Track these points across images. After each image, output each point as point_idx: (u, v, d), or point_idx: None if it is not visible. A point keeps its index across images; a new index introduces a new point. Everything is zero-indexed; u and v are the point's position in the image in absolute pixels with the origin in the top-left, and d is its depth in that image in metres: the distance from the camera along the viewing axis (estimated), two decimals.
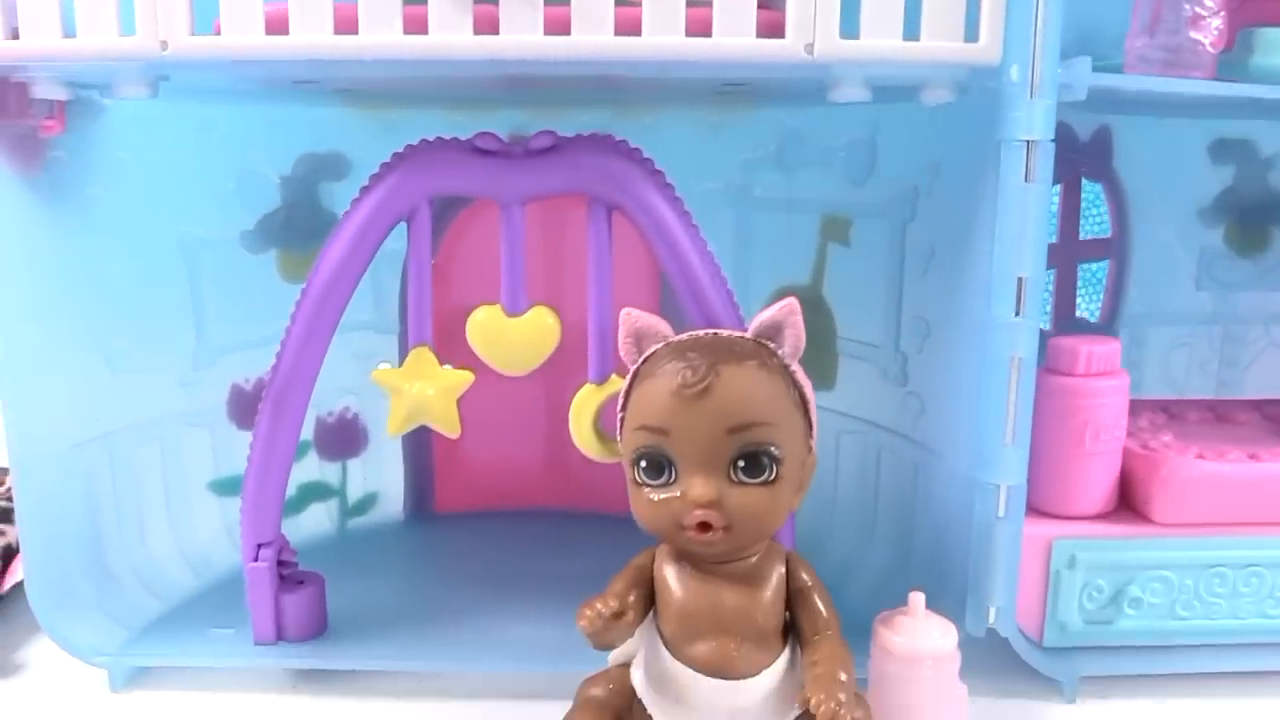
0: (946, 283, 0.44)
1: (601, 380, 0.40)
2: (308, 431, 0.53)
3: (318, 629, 0.43)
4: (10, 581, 0.45)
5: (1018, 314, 0.38)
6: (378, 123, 0.52)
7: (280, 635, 0.42)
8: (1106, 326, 0.54)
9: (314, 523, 0.54)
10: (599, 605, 0.33)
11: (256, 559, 0.41)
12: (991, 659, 0.42)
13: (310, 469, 0.54)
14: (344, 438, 0.54)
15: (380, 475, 0.55)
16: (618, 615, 0.33)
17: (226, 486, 0.50)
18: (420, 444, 0.55)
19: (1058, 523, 0.42)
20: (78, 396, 0.44)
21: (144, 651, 0.42)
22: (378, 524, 0.55)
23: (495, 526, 0.55)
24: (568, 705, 0.35)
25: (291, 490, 0.51)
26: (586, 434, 0.40)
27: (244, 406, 0.50)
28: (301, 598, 0.42)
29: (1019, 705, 0.41)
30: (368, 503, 0.55)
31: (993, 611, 0.40)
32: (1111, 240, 0.54)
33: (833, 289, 0.52)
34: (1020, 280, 0.38)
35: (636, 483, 0.33)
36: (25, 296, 0.41)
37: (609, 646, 0.35)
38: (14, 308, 0.40)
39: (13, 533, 0.48)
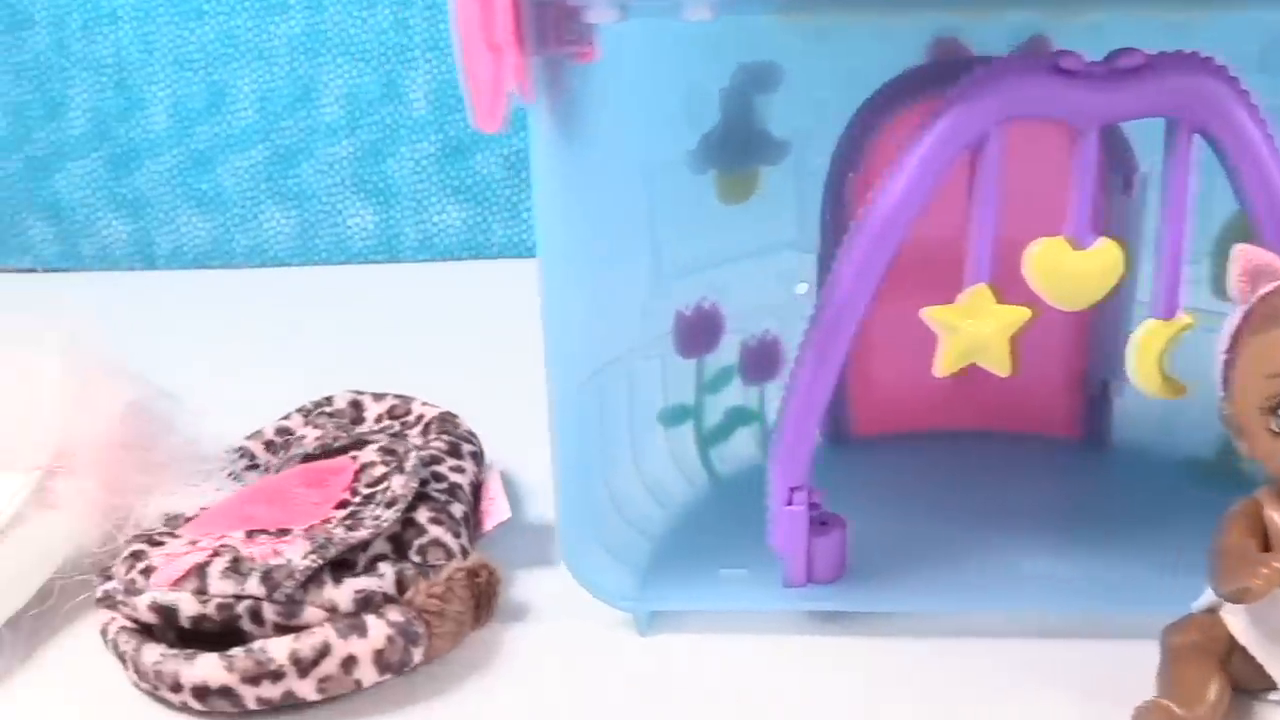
0: None
1: (1169, 316, 0.38)
2: (732, 356, 0.52)
3: (841, 571, 0.42)
4: (493, 520, 0.45)
5: None
6: (809, 30, 0.49)
7: (809, 578, 0.42)
8: None
9: (741, 448, 0.53)
10: (1275, 564, 0.32)
11: (790, 502, 0.41)
12: None
13: (734, 394, 0.53)
14: (765, 361, 0.52)
15: None
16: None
17: (673, 417, 0.50)
18: None
19: None
20: (583, 328, 0.43)
21: (666, 595, 0.42)
22: None
23: (918, 451, 0.53)
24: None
25: (719, 416, 0.51)
26: (1151, 372, 0.38)
27: (686, 335, 0.49)
28: (831, 541, 0.41)
29: None
30: None
31: None
32: None
33: None
34: None
35: (1273, 432, 0.32)
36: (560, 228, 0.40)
37: (1246, 602, 0.34)
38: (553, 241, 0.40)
39: (471, 470, 0.47)
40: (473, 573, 0.40)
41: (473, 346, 0.81)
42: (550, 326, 0.40)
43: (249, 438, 0.53)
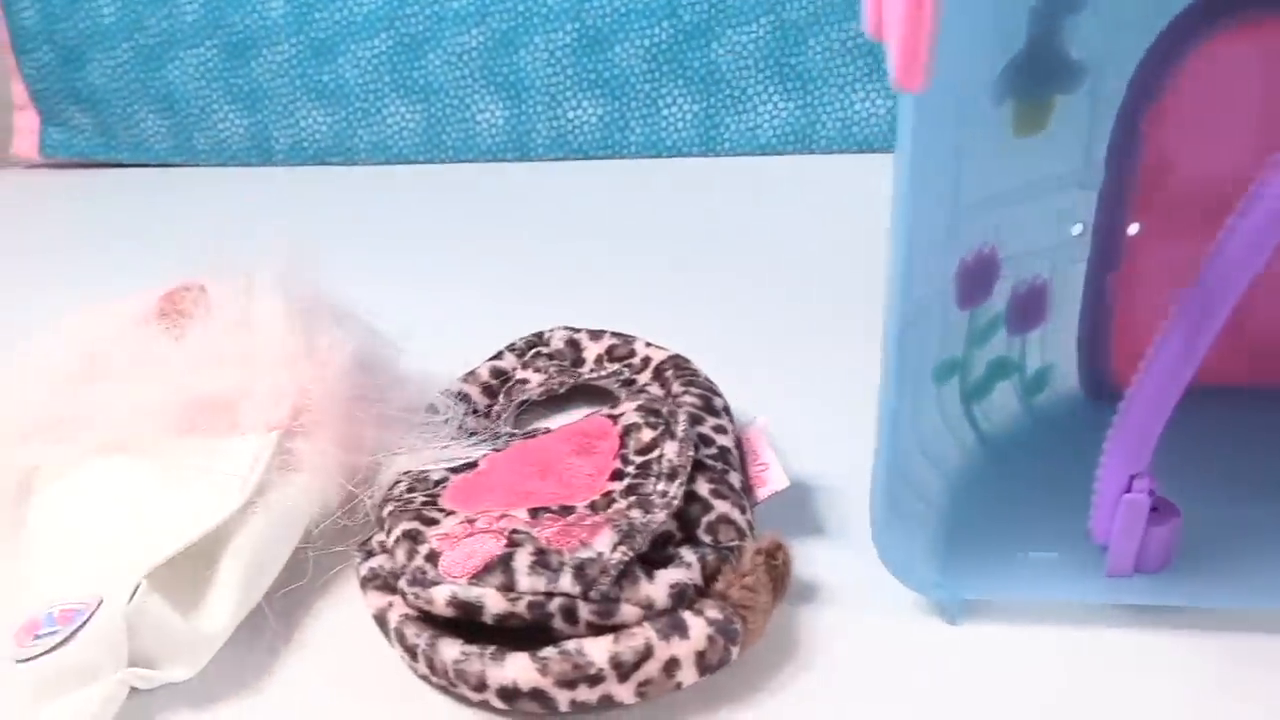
0: None
1: None
2: (1001, 303, 0.47)
3: (1168, 561, 0.39)
4: (769, 490, 0.41)
5: None
6: None
7: (1136, 568, 0.38)
8: None
9: (1001, 403, 0.49)
10: None
11: (1129, 489, 0.37)
12: None
13: (998, 345, 0.48)
14: (1031, 309, 0.48)
15: (1056, 346, 0.50)
16: None
17: (944, 373, 0.45)
18: (1097, 312, 0.49)
19: None
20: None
21: (978, 581, 0.39)
22: (1060, 401, 0.50)
23: (1192, 409, 0.49)
24: None
25: (980, 370, 0.47)
26: None
27: (966, 282, 0.44)
28: (1165, 530, 0.38)
29: None
30: (1044, 377, 0.50)
31: None
32: None
33: None
34: None
35: None
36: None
37: None
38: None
39: (730, 428, 0.44)
40: (770, 554, 0.37)
41: (608, 252, 0.77)
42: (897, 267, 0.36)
43: (464, 379, 0.49)
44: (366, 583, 0.37)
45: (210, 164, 0.92)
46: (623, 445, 0.40)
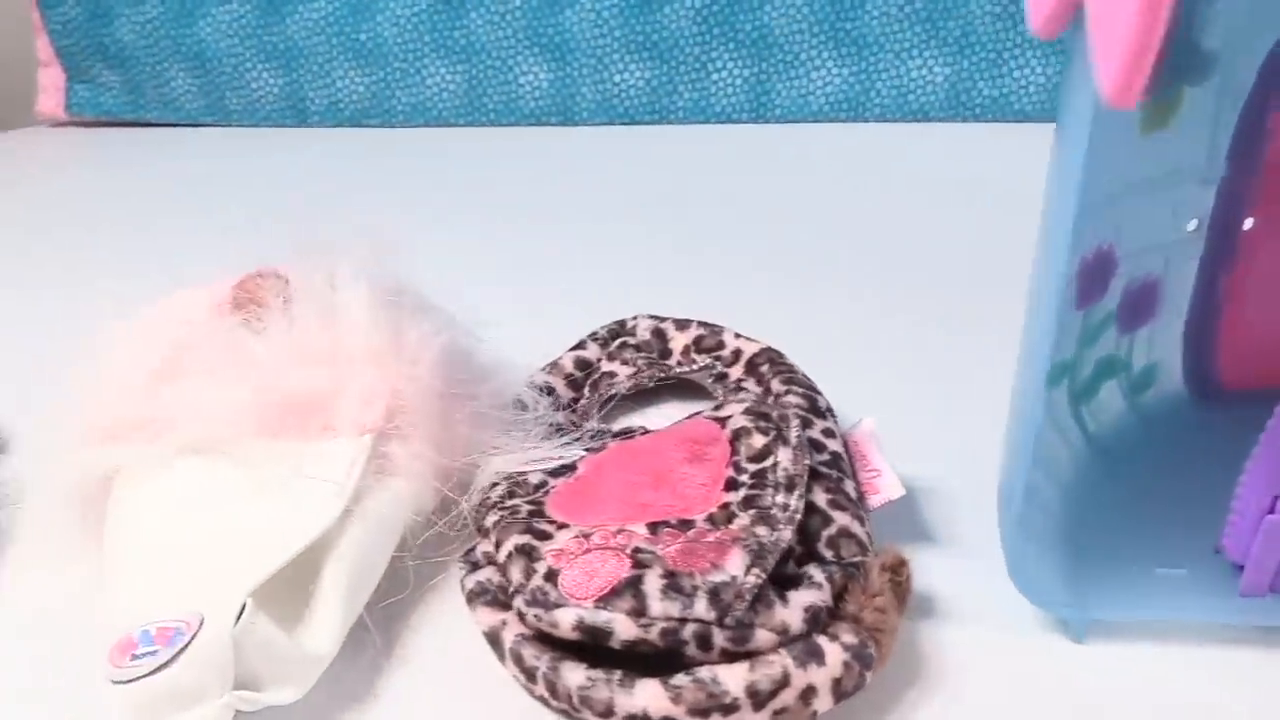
0: None
1: None
2: (1114, 302, 0.46)
3: None
4: (882, 498, 0.40)
5: None
6: None
7: (1272, 588, 0.37)
8: None
9: (1107, 403, 0.47)
10: None
11: (1273, 510, 0.35)
12: None
13: (1106, 344, 0.47)
14: (1142, 306, 0.46)
15: (1162, 344, 0.48)
16: None
17: (1057, 375, 0.44)
18: (1206, 310, 0.48)
19: None
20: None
21: (1106, 600, 0.37)
22: (1165, 400, 0.49)
23: None
24: None
25: (1089, 369, 0.46)
26: None
27: (1085, 281, 0.43)
28: None
29: None
30: (1149, 375, 0.48)
31: None
32: None
33: None
34: None
35: None
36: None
37: None
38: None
39: (838, 430, 0.42)
40: (894, 571, 0.35)
41: (655, 221, 0.75)
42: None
43: (547, 370, 0.47)
44: (475, 597, 0.35)
45: (242, 124, 0.89)
46: (734, 452, 0.38)
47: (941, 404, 0.49)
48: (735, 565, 0.33)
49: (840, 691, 0.32)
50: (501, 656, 0.34)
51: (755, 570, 0.33)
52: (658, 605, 0.32)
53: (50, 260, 0.74)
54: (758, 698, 0.31)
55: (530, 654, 0.33)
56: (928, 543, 0.41)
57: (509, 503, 0.38)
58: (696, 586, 0.32)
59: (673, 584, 0.32)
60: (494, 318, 0.48)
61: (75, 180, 0.89)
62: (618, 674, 0.32)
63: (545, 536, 0.35)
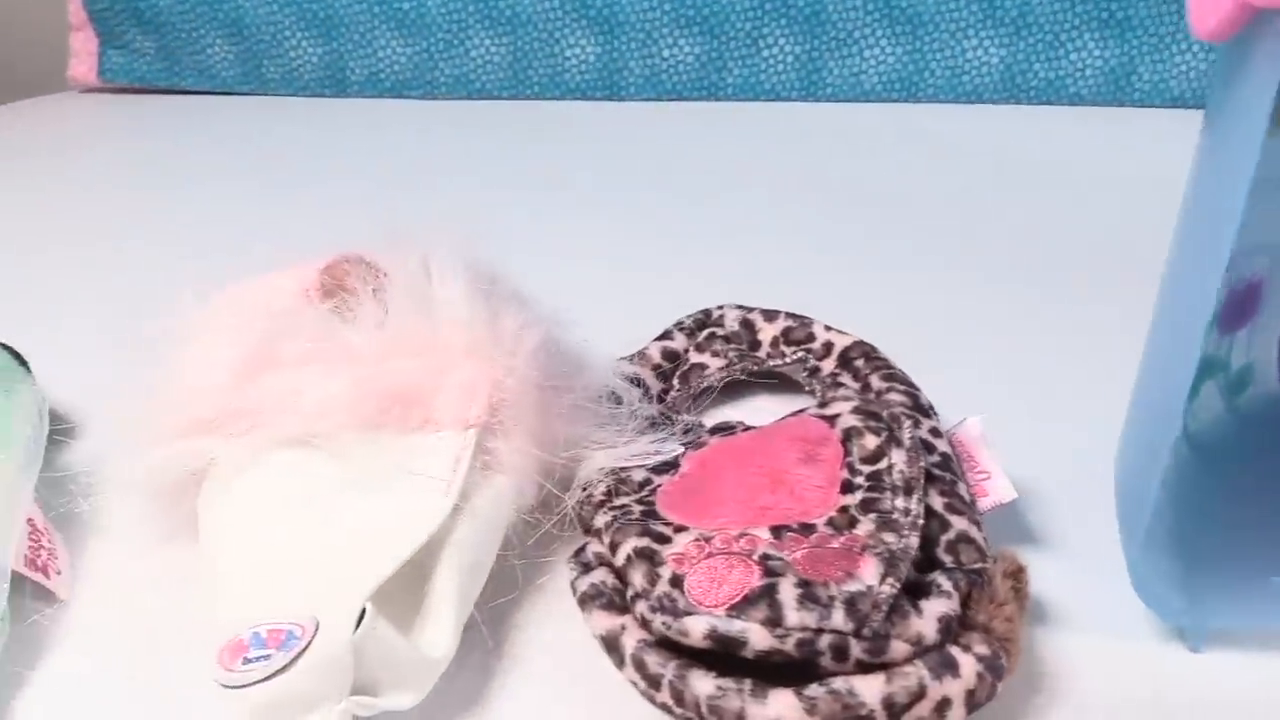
0: None
1: None
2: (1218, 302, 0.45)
3: None
4: (993, 501, 0.39)
5: None
6: None
7: None
8: None
9: (1206, 403, 0.46)
10: None
11: None
12: None
13: (1209, 344, 0.46)
14: (1246, 307, 0.45)
15: (1259, 344, 0.48)
16: None
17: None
18: None
19: None
20: None
21: (1223, 608, 0.37)
22: (1261, 400, 0.48)
23: None
24: None
25: None
26: None
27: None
28: None
29: None
30: (1245, 376, 0.47)
31: None
32: None
33: None
34: None
35: None
36: None
37: None
38: None
39: (944, 429, 0.41)
40: (1014, 577, 0.35)
41: (703, 200, 0.74)
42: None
43: (633, 360, 0.46)
44: (589, 600, 0.35)
45: (280, 93, 0.87)
46: (846, 453, 0.38)
47: (1028, 402, 0.48)
48: (870, 574, 0.32)
49: (973, 703, 0.31)
50: (620, 662, 0.33)
51: (890, 580, 0.32)
52: (794, 615, 0.31)
53: (89, 230, 0.73)
54: (893, 710, 0.31)
55: (654, 661, 0.32)
56: (1031, 546, 0.40)
57: (618, 502, 0.37)
58: (833, 597, 0.31)
59: (808, 594, 0.31)
60: (552, 303, 0.47)
61: (109, 147, 0.87)
62: (748, 683, 0.31)
63: (664, 540, 0.35)
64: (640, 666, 0.33)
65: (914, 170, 0.76)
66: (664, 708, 0.33)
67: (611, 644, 0.34)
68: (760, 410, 0.45)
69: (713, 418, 0.45)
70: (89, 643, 0.37)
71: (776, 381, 0.47)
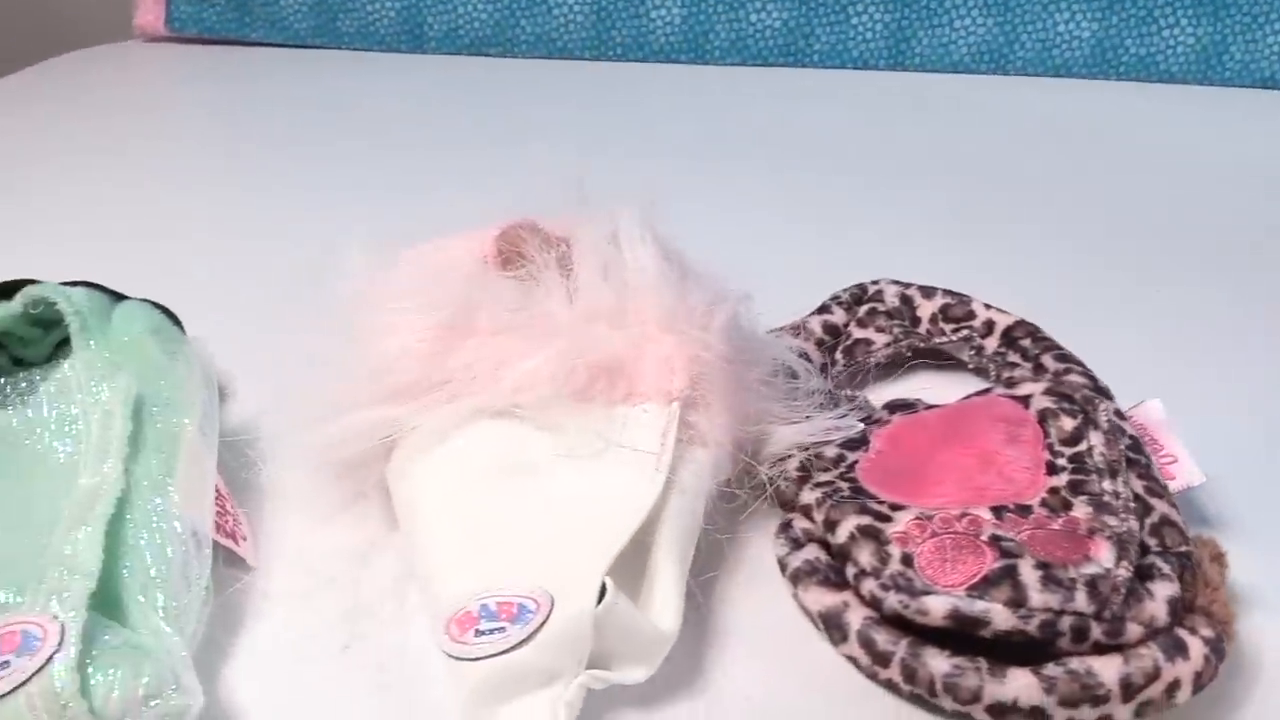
0: None
1: None
2: None
3: None
4: (1181, 483, 0.39)
5: None
6: None
7: None
8: None
9: None
10: None
11: None
12: None
13: None
14: None
15: None
16: None
17: None
18: None
19: None
20: None
21: None
22: None
23: None
24: None
25: None
26: None
27: None
28: None
29: None
30: None
31: None
32: None
33: None
34: None
35: None
36: None
37: None
38: None
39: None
40: (1219, 560, 0.35)
41: (794, 167, 0.73)
42: None
43: (794, 332, 0.46)
44: (804, 576, 0.35)
45: (354, 48, 0.86)
46: (1045, 434, 0.38)
47: (1174, 383, 0.49)
48: (1105, 557, 0.32)
49: (1199, 685, 0.32)
50: (841, 638, 0.34)
51: (1124, 563, 0.32)
52: (1037, 597, 0.31)
53: (175, 179, 0.72)
54: (1129, 690, 0.31)
55: (884, 639, 0.33)
56: (1206, 528, 0.40)
57: (821, 478, 0.37)
58: (1074, 579, 0.32)
59: (1050, 576, 0.32)
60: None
61: (176, 100, 0.86)
62: (983, 662, 0.32)
63: (884, 518, 0.35)
64: (868, 644, 0.33)
65: (1000, 144, 0.76)
66: (887, 684, 0.33)
67: (832, 620, 0.34)
68: (921, 388, 0.45)
69: (874, 394, 0.45)
70: (284, 612, 0.37)
71: (931, 355, 0.47)
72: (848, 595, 0.34)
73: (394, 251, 0.43)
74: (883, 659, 0.33)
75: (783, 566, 0.36)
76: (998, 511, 0.34)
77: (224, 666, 0.35)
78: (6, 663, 0.30)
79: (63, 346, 0.46)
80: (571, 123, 0.78)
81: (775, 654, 0.35)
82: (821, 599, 0.34)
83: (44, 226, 0.67)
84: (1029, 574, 0.32)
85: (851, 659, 0.34)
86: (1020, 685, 0.31)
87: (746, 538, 0.38)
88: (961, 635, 0.32)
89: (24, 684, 0.29)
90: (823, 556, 0.35)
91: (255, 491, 0.42)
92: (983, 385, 0.45)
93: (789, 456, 0.39)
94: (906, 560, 0.33)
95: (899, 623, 0.33)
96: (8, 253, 0.62)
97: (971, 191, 0.69)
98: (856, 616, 0.33)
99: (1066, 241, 0.62)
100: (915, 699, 0.33)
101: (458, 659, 0.32)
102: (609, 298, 0.38)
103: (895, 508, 0.35)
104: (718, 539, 0.37)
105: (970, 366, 0.45)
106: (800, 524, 0.37)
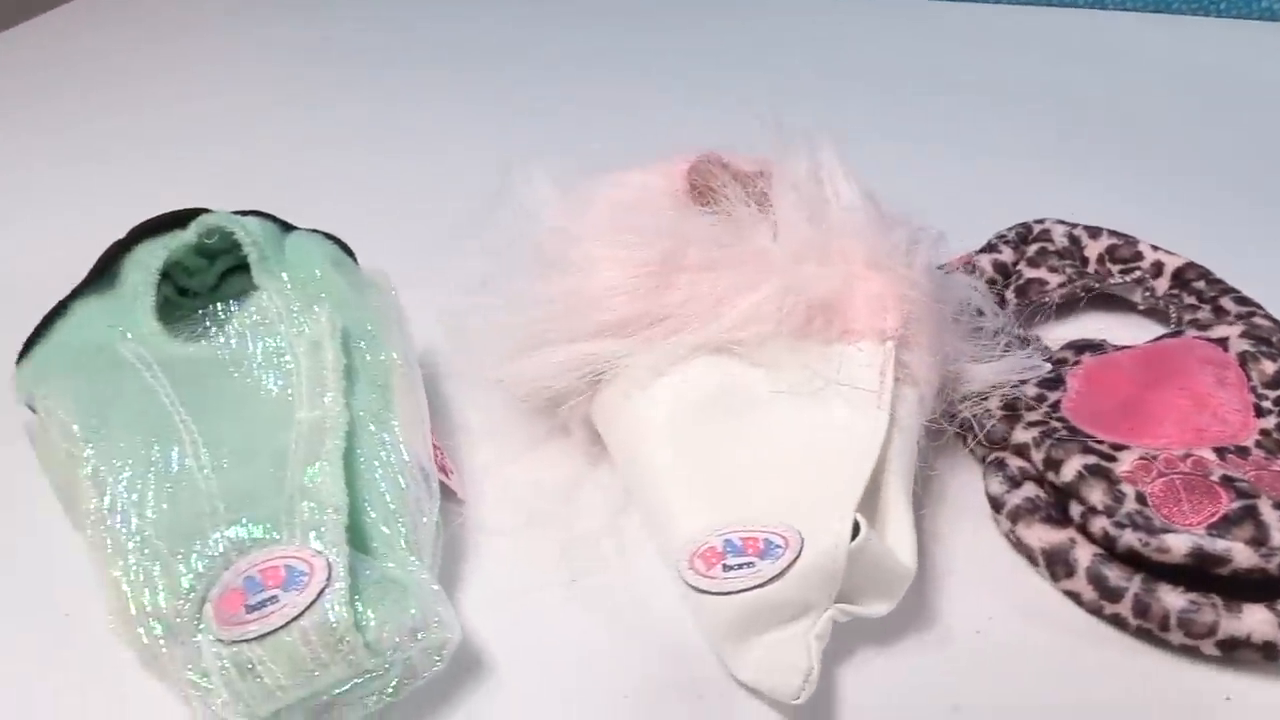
0: None
1: None
2: None
3: None
4: None
5: None
6: None
7: None
8: None
9: None
10: None
11: None
12: None
13: None
14: None
15: None
16: None
17: None
18: None
19: None
20: None
21: None
22: None
23: None
24: None
25: None
26: None
27: None
28: None
29: None
30: None
31: None
32: None
33: None
34: None
35: None
36: None
37: None
38: None
39: None
40: None
41: (959, 106, 0.73)
42: None
43: (968, 270, 0.46)
44: (1026, 514, 0.36)
45: None
46: (1247, 375, 0.38)
47: None
48: None
49: None
50: (1067, 573, 0.34)
51: None
52: (1278, 536, 0.32)
53: (321, 95, 0.70)
54: None
55: (1116, 575, 0.33)
56: None
57: (1031, 417, 0.38)
58: None
59: None
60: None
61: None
62: (1217, 599, 0.33)
63: (1109, 458, 0.35)
64: (1097, 579, 0.34)
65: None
66: (1113, 619, 0.34)
67: (1058, 557, 0.35)
68: (1094, 329, 0.45)
69: (1046, 334, 0.45)
70: (505, 546, 0.38)
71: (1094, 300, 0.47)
72: (1072, 532, 0.35)
73: (580, 183, 0.42)
74: (1113, 595, 0.34)
75: (998, 504, 0.37)
76: (1219, 453, 0.35)
77: (462, 600, 0.36)
78: (275, 597, 0.30)
79: (227, 276, 0.46)
80: (749, 55, 0.78)
81: (994, 589, 0.36)
82: (1045, 536, 0.35)
83: (178, 150, 0.66)
84: (1270, 514, 0.32)
85: (1073, 594, 0.35)
86: (1256, 620, 0.32)
87: (947, 474, 0.39)
88: (1193, 573, 0.33)
89: (297, 618, 0.30)
90: (1042, 494, 0.36)
91: (444, 423, 0.42)
92: (1155, 326, 0.45)
93: (988, 395, 0.39)
94: (1140, 499, 0.34)
95: (1128, 559, 0.34)
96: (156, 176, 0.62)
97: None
98: (1085, 553, 0.34)
99: (1227, 185, 0.62)
100: (1142, 633, 0.34)
101: (707, 592, 0.32)
102: (815, 235, 0.38)
103: (1116, 447, 0.36)
104: (927, 475, 0.38)
105: (1142, 308, 0.46)
106: (1015, 462, 0.37)
